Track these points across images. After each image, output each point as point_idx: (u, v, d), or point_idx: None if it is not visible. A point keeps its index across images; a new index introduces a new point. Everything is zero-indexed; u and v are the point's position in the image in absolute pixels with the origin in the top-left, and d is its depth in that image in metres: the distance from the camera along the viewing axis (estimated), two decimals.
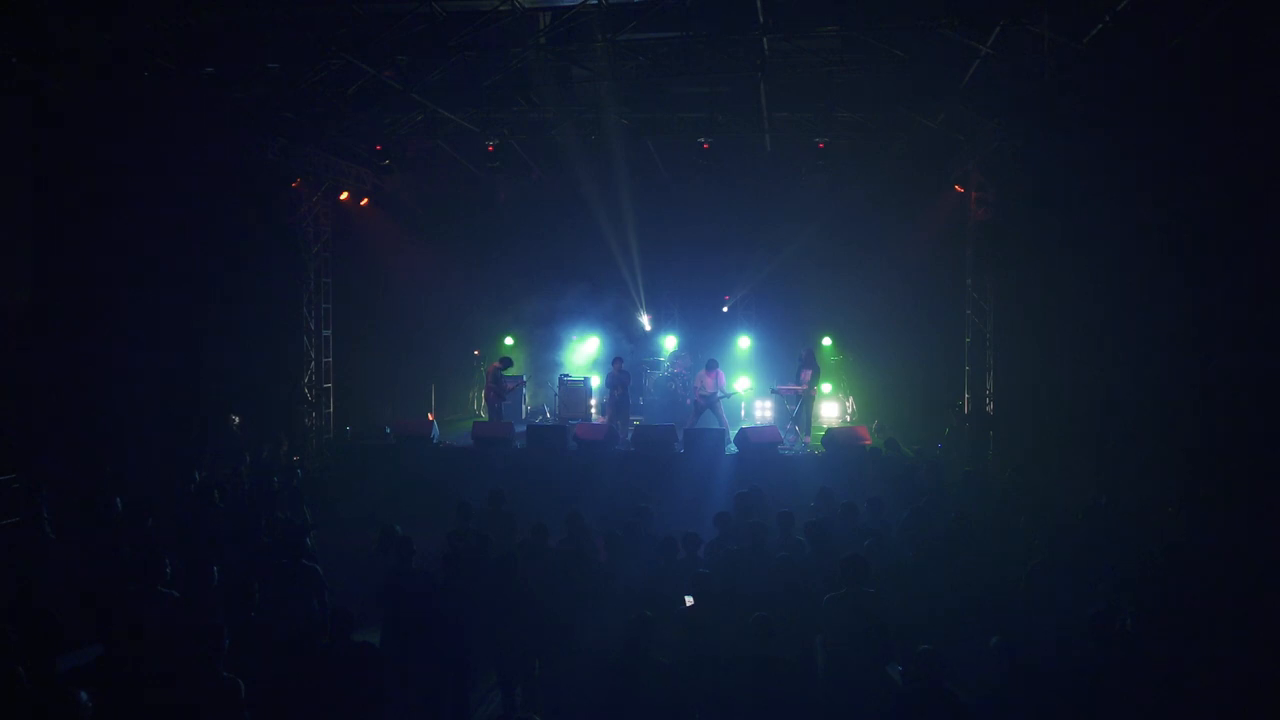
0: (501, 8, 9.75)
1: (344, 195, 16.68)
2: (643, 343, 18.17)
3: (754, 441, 13.26)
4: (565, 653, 6.40)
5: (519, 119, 13.84)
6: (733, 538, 7.75)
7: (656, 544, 7.24)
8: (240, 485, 10.33)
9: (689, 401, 15.75)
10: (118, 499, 8.69)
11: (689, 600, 6.20)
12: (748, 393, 16.88)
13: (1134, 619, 5.58)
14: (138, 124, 11.74)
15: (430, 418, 15.35)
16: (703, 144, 14.05)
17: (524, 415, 16.89)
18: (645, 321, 18.23)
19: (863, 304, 16.49)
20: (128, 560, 6.66)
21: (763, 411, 17.06)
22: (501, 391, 15.59)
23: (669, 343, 17.92)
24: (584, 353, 18.22)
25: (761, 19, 9.81)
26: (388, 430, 14.75)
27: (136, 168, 12.49)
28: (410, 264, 17.40)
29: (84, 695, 4.33)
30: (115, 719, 4.70)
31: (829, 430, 14.13)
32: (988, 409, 15.06)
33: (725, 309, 18.24)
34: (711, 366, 14.96)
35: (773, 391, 16.29)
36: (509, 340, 18.05)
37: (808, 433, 14.87)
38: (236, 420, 13.64)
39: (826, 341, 17.22)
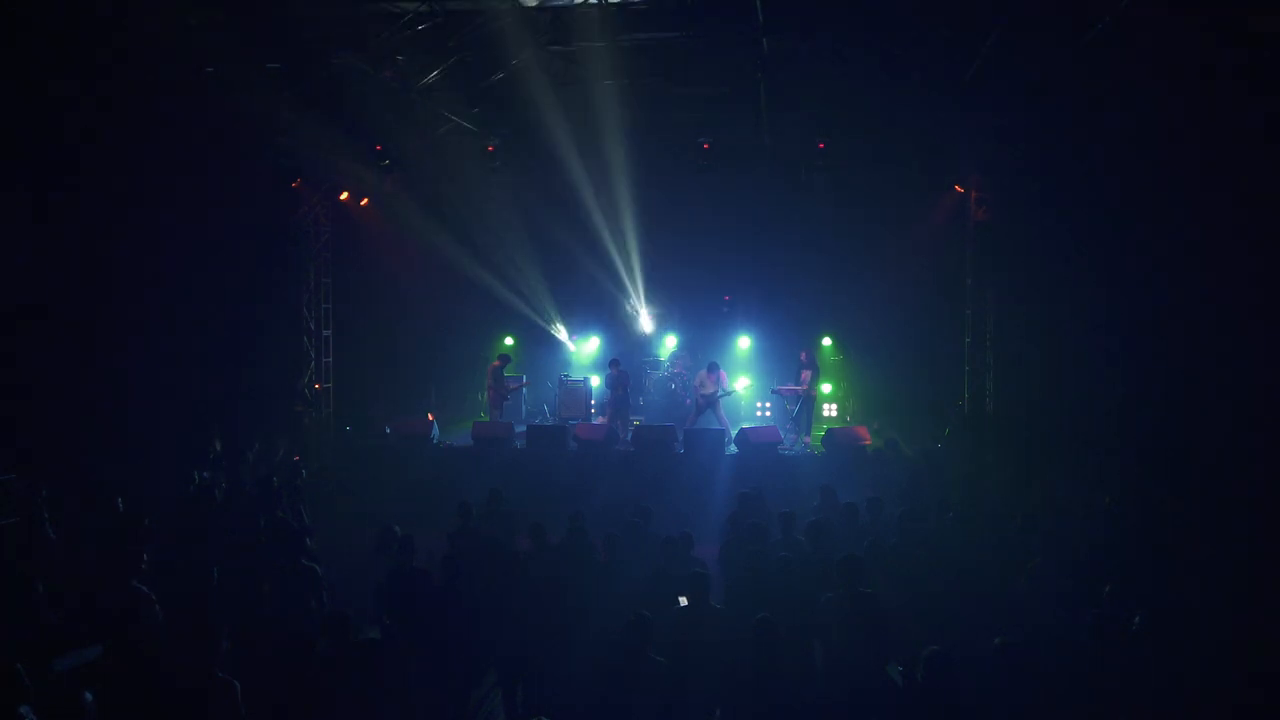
0: (501, 7, 9.75)
1: (344, 195, 16.68)
2: (642, 343, 18.16)
3: (754, 441, 13.26)
4: (565, 652, 6.40)
5: (519, 119, 13.83)
6: (742, 537, 7.77)
7: (656, 544, 7.25)
8: (240, 485, 10.32)
9: (689, 401, 15.75)
10: (118, 499, 8.68)
11: (683, 600, 6.20)
12: (747, 391, 16.85)
13: (1140, 619, 5.56)
14: (137, 124, 11.74)
15: (430, 418, 15.34)
16: (703, 144, 14.05)
17: (524, 415, 16.89)
18: (645, 321, 18.23)
19: (862, 304, 16.48)
20: (128, 560, 6.64)
21: (763, 412, 17.08)
22: (504, 391, 15.58)
23: (669, 343, 17.92)
24: (584, 353, 18.23)
25: (761, 19, 9.81)
26: (388, 430, 14.74)
27: (136, 168, 12.49)
28: (410, 264, 17.39)
29: (88, 695, 4.33)
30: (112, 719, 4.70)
31: (829, 430, 14.13)
32: (988, 409, 15.06)
33: (725, 309, 18.24)
34: (713, 369, 14.96)
35: (773, 392, 16.29)
36: (509, 340, 18.05)
37: (808, 433, 14.87)
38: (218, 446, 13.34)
39: (826, 341, 17.23)
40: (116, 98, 10.97)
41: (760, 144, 14.31)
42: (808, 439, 14.70)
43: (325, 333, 16.83)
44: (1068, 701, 5.14)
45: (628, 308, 18.14)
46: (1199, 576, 6.93)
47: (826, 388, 16.61)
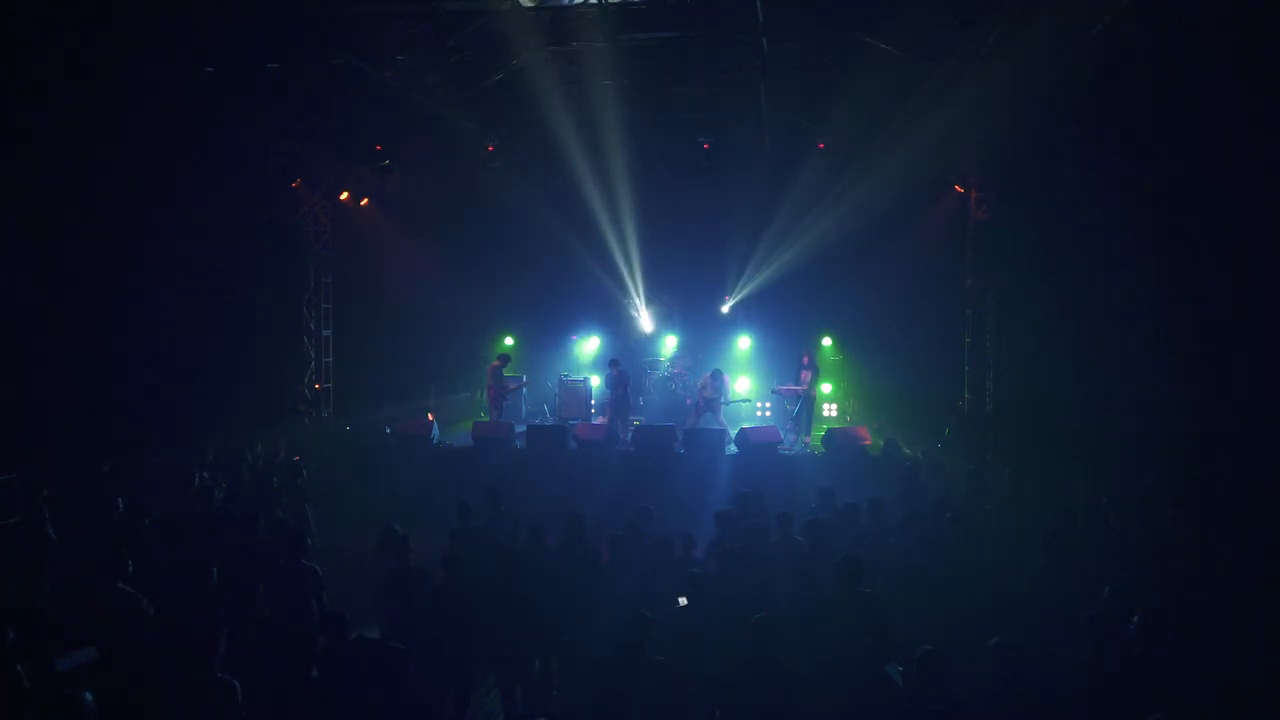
0: (501, 8, 9.74)
1: (344, 195, 16.68)
2: (642, 343, 18.16)
3: (754, 441, 13.25)
4: (564, 653, 6.39)
5: (519, 119, 13.83)
6: (733, 537, 7.76)
7: (655, 544, 7.24)
8: (240, 485, 10.32)
9: (689, 402, 15.74)
10: (118, 499, 8.68)
11: (682, 600, 6.20)
12: (747, 405, 16.79)
13: (1139, 619, 5.56)
14: (137, 124, 11.74)
15: (430, 418, 15.34)
16: (703, 144, 14.05)
17: (524, 415, 16.89)
18: (645, 321, 18.22)
19: (863, 304, 16.49)
20: (127, 561, 6.65)
21: (763, 412, 17.07)
22: (504, 391, 15.57)
23: (669, 343, 17.92)
24: (584, 352, 18.24)
25: (761, 19, 9.80)
26: (388, 430, 14.74)
27: (136, 168, 12.49)
28: (410, 264, 17.39)
29: (88, 695, 4.32)
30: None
31: (829, 430, 14.13)
32: (988, 409, 15.06)
33: (725, 309, 18.24)
34: (716, 375, 14.96)
35: (773, 392, 16.29)
36: (509, 340, 18.06)
37: (808, 433, 14.87)
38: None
39: (826, 341, 17.23)
40: (116, 98, 10.97)
41: (760, 144, 14.31)
42: (808, 439, 14.70)
43: (325, 333, 16.84)
44: (1066, 701, 5.13)
45: (629, 308, 18.14)
46: (1199, 576, 6.92)
47: (826, 388, 16.61)
